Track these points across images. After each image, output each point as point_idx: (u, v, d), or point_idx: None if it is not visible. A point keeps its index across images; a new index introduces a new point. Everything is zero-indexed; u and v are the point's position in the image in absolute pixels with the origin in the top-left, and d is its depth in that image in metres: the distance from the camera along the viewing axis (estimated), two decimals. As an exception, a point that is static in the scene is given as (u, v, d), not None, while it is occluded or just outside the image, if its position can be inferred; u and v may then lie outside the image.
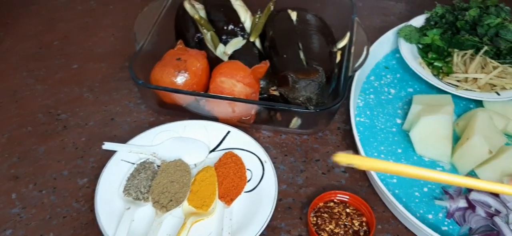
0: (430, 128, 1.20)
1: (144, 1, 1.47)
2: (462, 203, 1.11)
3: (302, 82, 1.21)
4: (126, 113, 1.38)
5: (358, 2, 1.81)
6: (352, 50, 1.33)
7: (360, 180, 1.21)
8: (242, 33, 1.46)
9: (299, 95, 1.21)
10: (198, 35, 1.44)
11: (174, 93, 1.26)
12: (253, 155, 1.21)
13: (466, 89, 1.32)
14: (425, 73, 1.35)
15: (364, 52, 1.29)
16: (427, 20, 1.52)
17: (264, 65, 1.28)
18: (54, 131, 1.33)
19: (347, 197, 1.11)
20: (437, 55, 1.40)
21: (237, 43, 1.43)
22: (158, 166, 1.19)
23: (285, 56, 1.32)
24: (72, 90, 1.45)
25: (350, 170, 1.23)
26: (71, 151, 1.27)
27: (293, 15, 1.45)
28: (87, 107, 1.40)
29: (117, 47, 1.62)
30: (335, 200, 1.12)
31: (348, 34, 1.41)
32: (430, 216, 1.11)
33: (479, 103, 1.34)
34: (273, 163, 1.19)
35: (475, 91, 1.31)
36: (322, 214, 1.09)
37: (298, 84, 1.21)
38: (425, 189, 1.17)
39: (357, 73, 1.34)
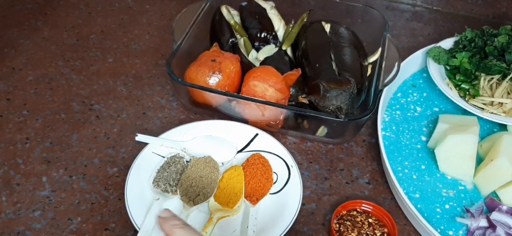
0: (456, 146, 1.22)
1: (180, 4, 1.50)
2: (483, 222, 1.13)
3: (334, 91, 1.24)
4: (158, 109, 1.41)
5: (388, 21, 1.84)
6: (383, 65, 1.35)
7: (383, 193, 1.23)
8: (274, 41, 1.49)
9: (330, 104, 1.24)
10: (232, 39, 1.47)
11: (207, 92, 1.29)
12: (279, 158, 1.24)
13: (492, 113, 1.34)
14: (452, 94, 1.37)
15: (395, 68, 1.31)
16: (456, 43, 1.54)
17: (296, 72, 1.31)
18: (87, 120, 1.36)
19: (371, 207, 1.13)
20: (464, 78, 1.42)
21: (269, 50, 1.46)
22: (187, 161, 1.22)
23: (317, 65, 1.35)
24: (106, 82, 1.49)
25: (374, 182, 1.25)
26: (102, 141, 1.31)
27: (327, 27, 1.48)
28: (120, 100, 1.43)
29: (151, 45, 1.65)
30: (358, 210, 1.14)
31: (379, 50, 1.44)
32: (450, 233, 1.13)
33: (503, 127, 1.36)
34: (299, 168, 1.22)
35: (500, 115, 1.33)
36: (345, 222, 1.11)
37: (329, 93, 1.24)
38: (447, 206, 1.19)
39: (385, 89, 1.36)
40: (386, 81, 1.29)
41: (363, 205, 1.14)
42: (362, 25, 1.60)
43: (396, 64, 1.32)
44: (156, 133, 1.27)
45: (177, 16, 1.43)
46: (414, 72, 1.57)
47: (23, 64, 1.53)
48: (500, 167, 1.17)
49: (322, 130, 1.31)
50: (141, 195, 1.13)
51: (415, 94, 1.49)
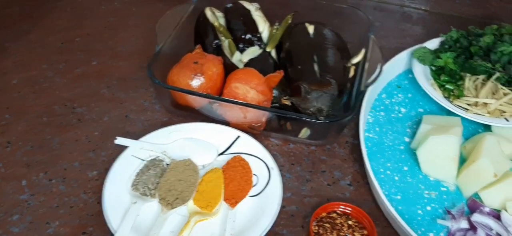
0: (438, 147, 1.21)
1: (167, 6, 1.50)
2: (464, 224, 1.12)
3: (315, 93, 1.23)
4: (140, 112, 1.41)
5: (376, 22, 1.83)
6: (366, 66, 1.35)
7: (364, 194, 1.22)
8: (259, 43, 1.48)
9: (311, 105, 1.23)
10: (216, 41, 1.47)
11: (188, 95, 1.29)
12: (260, 161, 1.23)
13: (476, 113, 1.33)
14: (436, 94, 1.36)
15: (378, 69, 1.30)
16: (442, 43, 1.53)
17: (279, 74, 1.30)
18: (69, 124, 1.36)
19: (350, 209, 1.13)
20: (449, 78, 1.41)
21: (253, 52, 1.45)
22: (167, 164, 1.22)
23: (299, 67, 1.34)
24: (90, 85, 1.49)
25: (355, 184, 1.24)
26: (84, 144, 1.31)
27: (311, 28, 1.47)
28: (103, 103, 1.43)
29: (137, 47, 1.65)
30: (338, 212, 1.14)
31: (363, 51, 1.43)
32: (431, 235, 1.12)
33: (487, 128, 1.35)
34: (280, 171, 1.21)
35: (484, 115, 1.32)
36: (324, 224, 1.10)
37: (310, 95, 1.23)
38: (429, 208, 1.18)
39: (369, 90, 1.36)
40: (367, 82, 1.28)
41: (341, 206, 1.13)
42: (349, 26, 1.59)
43: (379, 65, 1.31)
44: (137, 136, 1.27)
45: (161, 19, 1.42)
46: (399, 72, 1.56)
47: (8, 67, 1.54)
48: (482, 169, 1.16)
49: (305, 132, 1.31)
50: (119, 198, 1.13)
51: (400, 95, 1.48)
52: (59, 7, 1.82)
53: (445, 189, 1.22)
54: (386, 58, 1.46)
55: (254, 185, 1.19)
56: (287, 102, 1.33)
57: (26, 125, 1.35)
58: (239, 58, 1.44)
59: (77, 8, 1.83)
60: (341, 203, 1.13)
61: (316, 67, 1.33)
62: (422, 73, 1.44)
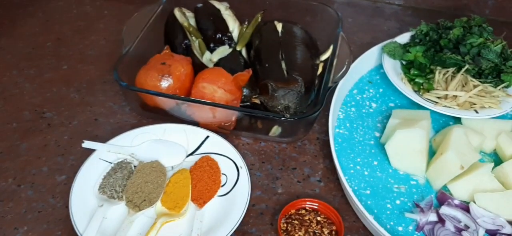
0: (405, 141, 1.21)
1: (139, 8, 1.49)
2: (433, 217, 1.12)
3: (281, 91, 1.23)
4: (110, 115, 1.40)
5: (349, 18, 1.83)
6: (334, 63, 1.35)
7: (334, 190, 1.22)
8: (229, 42, 1.48)
9: (278, 103, 1.23)
10: (186, 41, 1.46)
11: (156, 96, 1.28)
12: (229, 160, 1.23)
13: (445, 106, 1.33)
14: (406, 88, 1.36)
15: (345, 65, 1.31)
16: (412, 37, 1.54)
17: (247, 73, 1.30)
18: (37, 129, 1.35)
19: (317, 204, 1.13)
20: (419, 72, 1.41)
21: (223, 51, 1.45)
22: (135, 166, 1.21)
23: (267, 65, 1.34)
24: (59, 90, 1.48)
25: (325, 180, 1.24)
26: (52, 149, 1.30)
27: (279, 26, 1.47)
28: (73, 107, 1.42)
29: (107, 50, 1.64)
30: (307, 208, 1.13)
31: (331, 47, 1.43)
32: (400, 228, 1.12)
33: (458, 120, 1.35)
34: (250, 169, 1.21)
35: (453, 108, 1.32)
36: (293, 221, 1.10)
37: (277, 93, 1.23)
38: (398, 202, 1.18)
39: (339, 86, 1.35)
40: (335, 78, 1.28)
41: (308, 202, 1.13)
42: (319, 23, 1.59)
43: (347, 61, 1.31)
44: (106, 139, 1.26)
45: (128, 21, 1.42)
46: (371, 68, 1.56)
47: (-23, 76, 1.53)
48: (449, 161, 1.16)
49: (276, 130, 1.30)
50: (86, 202, 1.12)
51: (371, 90, 1.48)
52: (30, 13, 1.81)
53: (414, 182, 1.22)
54: (357, 53, 1.47)
55: (223, 185, 1.19)
56: (257, 101, 1.33)
57: (-6, 131, 1.34)
58: (209, 58, 1.44)
59: (48, 13, 1.81)
60: (308, 199, 1.13)
61: (283, 65, 1.33)
62: (392, 68, 1.44)
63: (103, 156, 1.22)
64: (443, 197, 1.17)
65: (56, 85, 1.49)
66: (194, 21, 1.54)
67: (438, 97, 1.36)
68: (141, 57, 1.39)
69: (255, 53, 1.42)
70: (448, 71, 1.40)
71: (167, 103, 1.31)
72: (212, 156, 1.24)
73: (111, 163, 1.21)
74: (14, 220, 1.13)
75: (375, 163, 1.27)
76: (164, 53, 1.38)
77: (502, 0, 1.85)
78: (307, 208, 1.13)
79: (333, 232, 1.09)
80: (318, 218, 1.11)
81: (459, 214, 1.12)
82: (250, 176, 1.18)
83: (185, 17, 1.52)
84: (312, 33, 1.52)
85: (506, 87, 1.36)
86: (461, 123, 1.33)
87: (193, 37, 1.48)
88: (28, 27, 1.74)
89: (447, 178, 1.18)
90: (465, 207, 1.14)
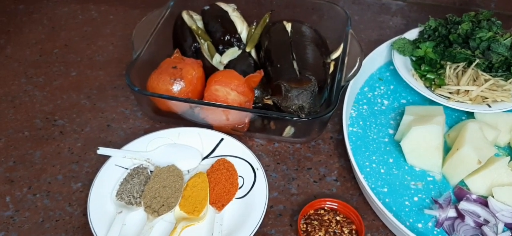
0: (421, 138, 1.21)
1: (144, 12, 1.49)
2: (452, 213, 1.12)
3: (295, 91, 1.22)
4: (122, 120, 1.39)
5: (355, 16, 1.83)
6: (346, 61, 1.34)
7: (351, 189, 1.22)
8: (238, 44, 1.48)
9: (292, 103, 1.23)
10: (195, 44, 1.46)
11: (169, 100, 1.28)
12: (245, 162, 1.23)
13: (458, 101, 1.33)
14: (417, 85, 1.36)
15: (357, 63, 1.31)
16: (421, 33, 1.54)
17: (258, 74, 1.29)
18: (50, 136, 1.34)
19: (336, 204, 1.12)
20: (429, 67, 1.41)
21: (233, 53, 1.45)
22: (152, 171, 1.20)
23: (279, 65, 1.34)
24: (69, 96, 1.47)
25: (342, 179, 1.24)
26: (66, 156, 1.29)
27: (288, 26, 1.46)
28: (84, 114, 1.41)
29: (115, 55, 1.64)
30: (326, 208, 1.13)
31: (341, 46, 1.43)
32: (419, 225, 1.12)
33: (470, 115, 1.35)
34: (266, 171, 1.21)
35: (466, 103, 1.32)
36: (312, 221, 1.10)
37: (290, 93, 1.23)
38: (416, 199, 1.18)
39: (350, 84, 1.35)
40: (348, 77, 1.28)
41: (328, 202, 1.13)
42: (327, 22, 1.59)
43: (358, 59, 1.31)
44: (120, 145, 1.26)
45: (137, 25, 1.41)
46: (380, 65, 1.56)
47: (-15, 84, 1.52)
48: (465, 156, 1.17)
49: (289, 130, 1.30)
50: (104, 209, 1.11)
51: (382, 87, 1.48)
52: (35, 20, 1.80)
53: (431, 179, 1.22)
54: (366, 51, 1.46)
55: (240, 187, 1.19)
56: (269, 102, 1.32)
57: (6, 140, 1.33)
58: (219, 60, 1.44)
59: (53, 20, 1.80)
60: (327, 199, 1.13)
61: (295, 65, 1.33)
62: (402, 64, 1.44)
63: (118, 162, 1.21)
64: (461, 193, 1.17)
65: (66, 92, 1.49)
66: (202, 23, 1.54)
67: (450, 92, 1.36)
68: (150, 61, 1.38)
69: (265, 54, 1.42)
70: (458, 66, 1.40)
71: (180, 107, 1.30)
72: (228, 158, 1.24)
73: (127, 168, 1.21)
74: (31, 230, 1.13)
75: (391, 160, 1.27)
76: (175, 57, 1.37)
77: (507, -7, 1.86)
78: (326, 208, 1.13)
79: (353, 231, 1.08)
80: (338, 218, 1.11)
81: (478, 209, 1.12)
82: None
83: (193, 20, 1.52)
84: (320, 31, 1.52)
85: (517, 80, 1.37)
86: (474, 118, 1.33)
87: (202, 40, 1.47)
88: (34, 34, 1.73)
89: (464, 173, 1.18)
90: (483, 202, 1.14)
